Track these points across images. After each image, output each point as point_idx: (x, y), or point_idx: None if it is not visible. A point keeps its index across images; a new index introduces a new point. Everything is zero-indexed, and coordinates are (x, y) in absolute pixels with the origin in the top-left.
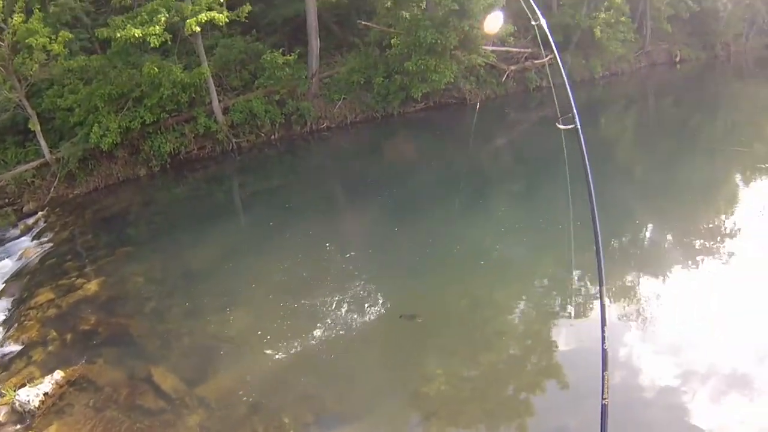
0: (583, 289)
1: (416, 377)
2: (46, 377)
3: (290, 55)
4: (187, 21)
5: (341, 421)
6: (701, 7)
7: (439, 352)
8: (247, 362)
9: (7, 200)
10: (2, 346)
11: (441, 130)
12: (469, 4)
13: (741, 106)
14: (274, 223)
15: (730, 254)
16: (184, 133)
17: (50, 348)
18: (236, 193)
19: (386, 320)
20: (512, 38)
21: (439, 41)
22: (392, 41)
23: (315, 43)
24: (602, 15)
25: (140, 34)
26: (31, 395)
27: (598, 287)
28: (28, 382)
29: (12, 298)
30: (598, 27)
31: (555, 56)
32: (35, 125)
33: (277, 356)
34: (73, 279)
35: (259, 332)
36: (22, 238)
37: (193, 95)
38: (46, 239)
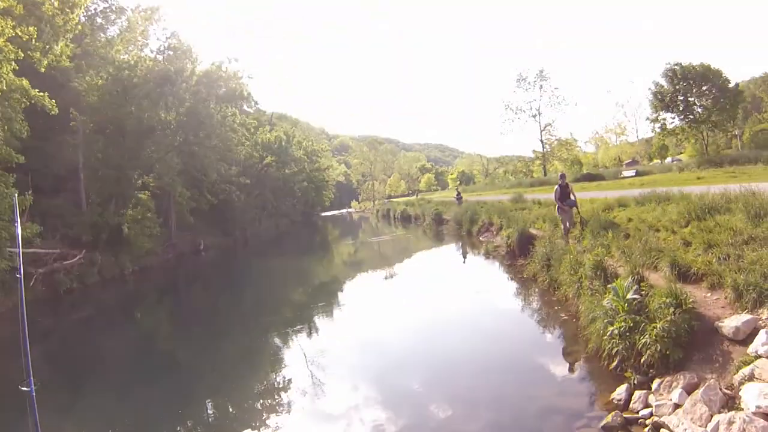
0: None
1: None
2: None
3: None
4: None
5: None
6: (219, 199)
7: None
8: None
9: None
10: None
11: None
12: None
13: (260, 281)
14: None
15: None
16: None
17: None
18: None
19: None
20: (39, 239)
21: None
22: None
23: None
24: (130, 212)
25: None
26: None
27: None
28: None
29: None
30: (126, 224)
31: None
32: None
33: None
34: None
35: None
36: None
37: None
38: None
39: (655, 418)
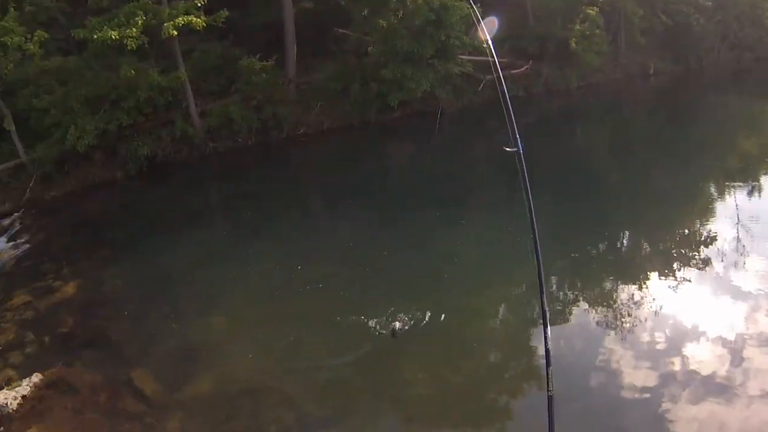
0: (558, 295)
1: (396, 381)
2: (24, 380)
3: (267, 61)
4: (165, 24)
5: (321, 425)
6: (674, 21)
7: (418, 358)
8: (227, 366)
9: None
10: None
11: (417, 137)
12: (446, 15)
13: (714, 117)
14: (250, 228)
15: (700, 264)
16: (161, 136)
17: (28, 350)
18: (213, 197)
19: (365, 328)
20: (488, 46)
21: (415, 50)
22: (369, 49)
23: (292, 50)
24: (577, 27)
25: (117, 37)
26: (9, 398)
27: (539, 285)
28: (5, 384)
29: None
30: (574, 39)
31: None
32: (10, 125)
33: (256, 360)
34: (50, 281)
35: (238, 336)
36: None
37: (170, 99)
38: (21, 241)
39: None
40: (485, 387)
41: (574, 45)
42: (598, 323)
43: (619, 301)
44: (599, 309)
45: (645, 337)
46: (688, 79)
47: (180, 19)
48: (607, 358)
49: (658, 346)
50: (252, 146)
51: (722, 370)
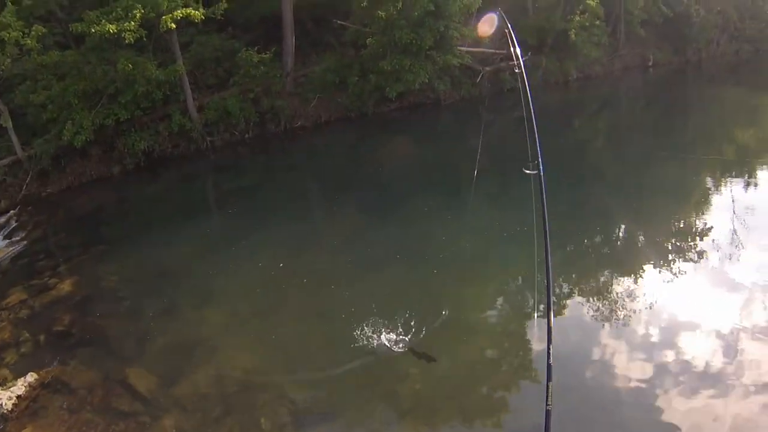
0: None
1: (391, 376)
2: (19, 380)
3: (265, 54)
4: (163, 17)
5: (317, 420)
6: (674, 12)
7: (413, 351)
8: (223, 362)
9: None
10: None
11: (415, 129)
12: (445, 5)
13: (712, 109)
14: (248, 222)
15: (696, 256)
16: (159, 130)
17: (23, 349)
18: (210, 191)
19: (360, 319)
20: (487, 39)
21: (414, 41)
22: (367, 41)
23: (290, 42)
24: (577, 18)
25: (115, 30)
26: (3, 398)
27: (547, 301)
28: (0, 384)
29: None
30: (573, 30)
31: (530, 107)
32: (7, 121)
33: (252, 356)
34: (46, 279)
35: (235, 332)
36: None
37: (168, 93)
38: (18, 238)
39: None
40: (481, 382)
41: (573, 36)
42: (592, 316)
43: (613, 294)
44: (593, 301)
45: (641, 330)
46: (687, 71)
47: (178, 11)
48: (602, 350)
49: (653, 339)
50: (249, 139)
51: (718, 362)
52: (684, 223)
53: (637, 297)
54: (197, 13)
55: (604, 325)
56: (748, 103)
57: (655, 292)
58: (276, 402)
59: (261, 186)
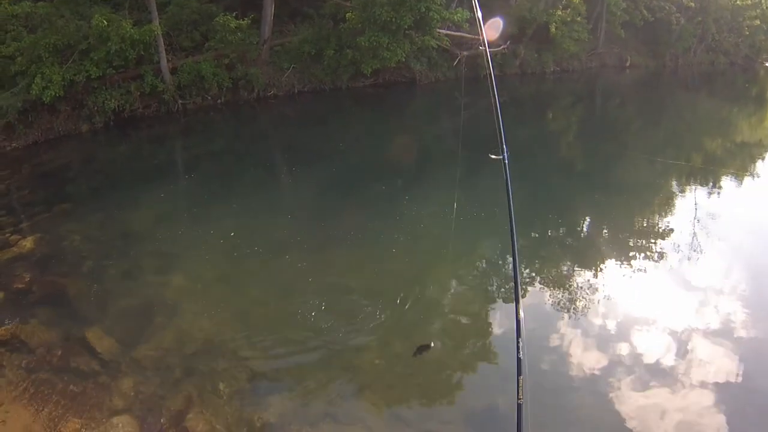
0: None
1: (351, 349)
2: None
3: (243, 20)
4: None
5: (274, 387)
6: (655, 17)
7: (373, 326)
8: (183, 326)
9: None
10: None
11: (388, 107)
12: None
13: (683, 115)
14: (214, 187)
15: (662, 252)
16: (130, 90)
17: None
18: (179, 155)
19: (321, 290)
20: (467, 24)
21: (393, 19)
22: (347, 15)
23: (269, 10)
24: (559, 12)
25: None
26: None
27: (515, 292)
28: None
29: None
30: (554, 24)
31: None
32: None
33: (212, 321)
34: (7, 235)
35: (196, 296)
36: None
37: (142, 52)
38: None
39: None
40: (442, 363)
41: (553, 30)
42: (553, 307)
43: (571, 288)
44: (554, 294)
45: (597, 324)
46: (663, 76)
47: None
48: (560, 342)
49: (610, 333)
50: (221, 105)
51: (668, 359)
52: (645, 224)
53: (596, 292)
54: None
55: (565, 316)
56: (719, 113)
57: (615, 288)
58: (235, 368)
59: (230, 152)
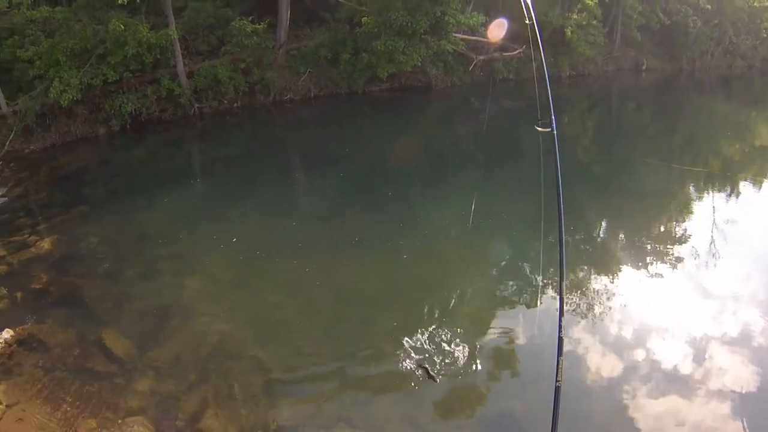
0: (548, 278)
1: (365, 355)
2: None
3: (259, 24)
4: None
5: (287, 392)
6: (671, 21)
7: (389, 328)
8: (199, 329)
9: None
10: None
11: (404, 111)
12: None
13: (700, 120)
14: (230, 191)
15: (680, 258)
16: (147, 94)
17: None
18: (195, 158)
19: (336, 294)
20: (483, 28)
21: (409, 24)
22: (363, 19)
23: (285, 14)
24: (574, 16)
25: None
26: None
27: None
28: None
29: None
30: (570, 28)
31: (542, 62)
32: None
33: (228, 324)
34: (25, 236)
35: (212, 299)
36: None
37: (158, 56)
38: None
39: None
40: (459, 367)
41: (569, 34)
42: (573, 314)
43: (588, 294)
44: (569, 296)
45: (615, 330)
46: (679, 79)
47: None
48: (573, 347)
49: (627, 339)
50: (237, 109)
51: (688, 366)
52: (663, 229)
53: (615, 297)
54: None
55: (575, 320)
56: (737, 117)
57: (633, 293)
58: (250, 371)
59: (246, 156)
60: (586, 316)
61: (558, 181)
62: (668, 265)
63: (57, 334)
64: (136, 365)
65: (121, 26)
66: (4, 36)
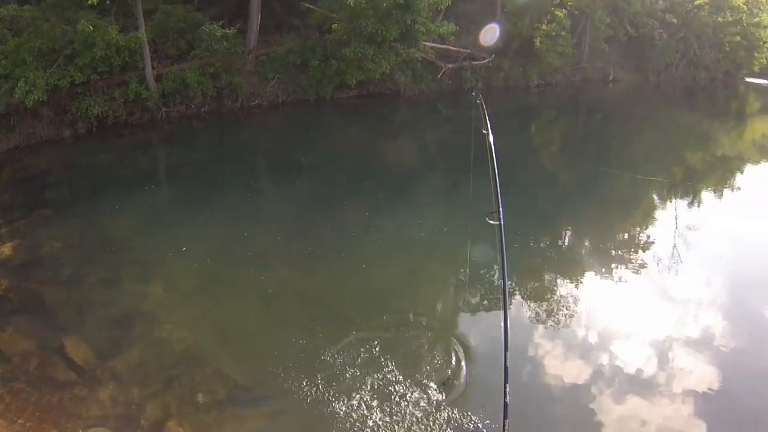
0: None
1: (330, 363)
2: None
3: (229, 29)
4: None
5: (252, 400)
6: (638, 33)
7: (354, 337)
8: (162, 336)
9: None
10: None
11: (371, 119)
12: (414, 0)
13: (665, 130)
14: (196, 196)
15: (643, 264)
16: (114, 97)
17: None
18: (162, 163)
19: (303, 301)
20: (453, 37)
21: (379, 31)
22: (333, 26)
23: (255, 20)
24: (544, 27)
25: None
26: None
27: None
28: None
29: None
30: (539, 38)
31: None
32: None
33: (192, 332)
34: None
35: (175, 306)
36: None
37: (127, 59)
38: None
39: None
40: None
41: (538, 44)
42: (534, 319)
43: (552, 299)
44: (535, 306)
45: (579, 336)
46: (645, 90)
47: None
48: (536, 352)
49: (592, 345)
50: (205, 113)
51: (650, 369)
52: (626, 236)
53: (578, 304)
54: None
55: (544, 329)
56: (700, 128)
57: (596, 300)
58: (214, 379)
59: (212, 161)
60: (546, 323)
61: (504, 269)
62: (631, 271)
63: (16, 342)
64: (97, 374)
65: (90, 27)
66: None
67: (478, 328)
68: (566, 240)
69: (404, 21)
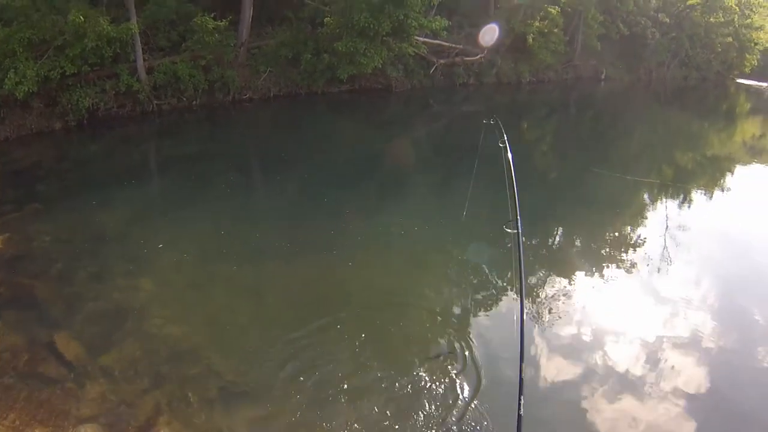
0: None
1: (322, 358)
2: None
3: (221, 21)
4: None
5: (242, 398)
6: (631, 32)
7: (346, 334)
8: (153, 332)
9: None
10: None
11: (363, 113)
12: None
13: (656, 129)
14: (187, 190)
15: (634, 264)
16: (105, 89)
17: None
18: (152, 156)
19: (294, 297)
20: (445, 33)
21: (372, 26)
22: (325, 20)
23: (248, 12)
24: (537, 24)
25: None
26: None
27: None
28: None
29: None
30: (531, 35)
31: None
32: None
33: (183, 327)
34: None
35: (167, 301)
36: None
37: (118, 51)
38: None
39: None
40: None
41: (530, 41)
42: (537, 325)
43: (544, 300)
44: (539, 310)
45: (571, 335)
46: (637, 89)
47: None
48: (528, 352)
49: (582, 344)
50: (196, 106)
51: (641, 369)
52: (617, 235)
53: (571, 303)
54: None
55: (529, 325)
56: (690, 128)
57: (586, 299)
58: (205, 376)
59: (203, 154)
60: (542, 322)
61: (521, 277)
62: (623, 271)
63: (6, 337)
64: (88, 370)
65: (81, 18)
66: None
67: (479, 328)
68: (556, 239)
69: (397, 16)
